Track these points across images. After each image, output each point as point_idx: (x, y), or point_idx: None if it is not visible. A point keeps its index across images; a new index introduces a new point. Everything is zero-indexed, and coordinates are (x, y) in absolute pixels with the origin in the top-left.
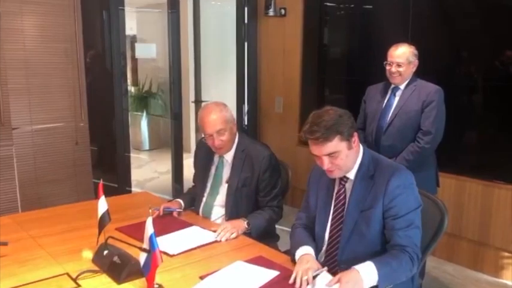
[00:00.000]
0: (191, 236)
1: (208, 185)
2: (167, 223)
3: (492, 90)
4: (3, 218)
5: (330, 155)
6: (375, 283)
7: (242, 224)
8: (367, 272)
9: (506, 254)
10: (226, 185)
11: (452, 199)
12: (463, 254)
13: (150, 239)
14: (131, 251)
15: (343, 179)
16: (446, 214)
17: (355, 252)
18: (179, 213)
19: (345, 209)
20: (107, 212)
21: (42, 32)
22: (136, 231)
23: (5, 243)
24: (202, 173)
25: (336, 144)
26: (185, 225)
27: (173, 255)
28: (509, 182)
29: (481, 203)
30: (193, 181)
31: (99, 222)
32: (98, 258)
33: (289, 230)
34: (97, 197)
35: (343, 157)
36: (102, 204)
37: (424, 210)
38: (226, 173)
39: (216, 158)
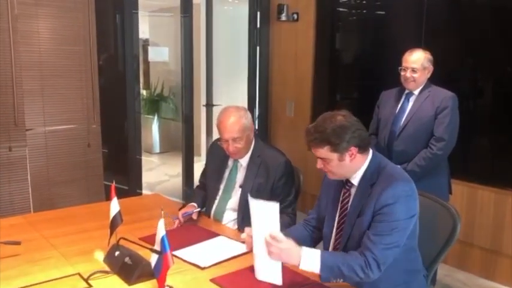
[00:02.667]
0: (220, 247)
1: (221, 188)
2: (192, 233)
3: (506, 96)
4: (16, 217)
5: (321, 158)
6: (317, 271)
7: None
8: (308, 255)
9: None
10: (240, 190)
11: (464, 206)
12: (475, 262)
13: (162, 240)
14: (143, 253)
15: (348, 184)
16: (459, 221)
17: None
18: (198, 213)
19: (346, 215)
20: (119, 213)
21: (57, 35)
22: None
23: (17, 243)
24: (215, 175)
25: (325, 152)
26: (211, 235)
27: (204, 268)
28: None
29: (493, 210)
30: (200, 180)
31: (110, 223)
32: (109, 259)
33: None
34: (108, 199)
35: (334, 165)
36: (115, 206)
37: (436, 217)
38: (240, 177)
39: (230, 162)
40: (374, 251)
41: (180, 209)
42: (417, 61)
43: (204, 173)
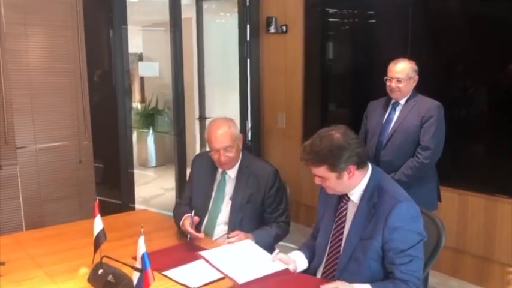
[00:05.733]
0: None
1: (211, 202)
2: (184, 252)
3: (493, 103)
4: (4, 237)
5: (318, 176)
6: None
7: (250, 236)
8: None
9: None
10: (230, 202)
11: (455, 214)
12: (468, 269)
13: (142, 258)
14: (127, 270)
15: (345, 197)
16: (444, 231)
17: (351, 277)
18: (195, 214)
19: (344, 233)
20: (103, 231)
21: (46, 53)
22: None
23: (2, 263)
24: (203, 189)
25: (322, 171)
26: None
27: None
28: None
29: (484, 217)
30: (185, 196)
31: (94, 240)
32: (93, 278)
33: (293, 246)
34: (102, 214)
35: (331, 183)
36: (98, 223)
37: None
38: (229, 189)
39: (218, 175)
40: (411, 279)
41: (182, 225)
42: (402, 71)
43: (189, 188)
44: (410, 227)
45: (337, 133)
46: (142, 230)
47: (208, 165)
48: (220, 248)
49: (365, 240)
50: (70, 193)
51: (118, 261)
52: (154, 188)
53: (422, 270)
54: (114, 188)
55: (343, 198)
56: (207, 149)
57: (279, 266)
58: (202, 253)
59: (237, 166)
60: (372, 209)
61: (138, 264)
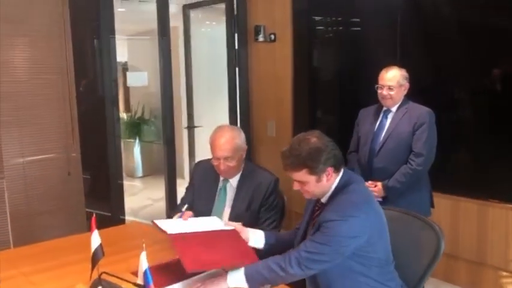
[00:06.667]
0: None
1: (212, 209)
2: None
3: (483, 109)
4: None
5: (298, 181)
6: (243, 284)
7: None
8: (234, 271)
9: (505, 273)
10: (229, 210)
11: (448, 219)
12: (461, 274)
13: (145, 274)
14: (126, 286)
15: (319, 202)
16: (443, 238)
17: (327, 279)
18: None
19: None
20: (100, 247)
21: (33, 64)
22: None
23: None
24: (205, 196)
25: (302, 175)
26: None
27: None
28: (504, 201)
29: (476, 222)
30: (185, 201)
31: (92, 257)
32: None
33: None
34: (90, 230)
35: (311, 186)
36: (95, 239)
37: (420, 234)
38: (230, 197)
39: (220, 183)
40: (300, 250)
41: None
42: (393, 79)
43: (190, 193)
44: (342, 223)
45: (313, 137)
46: (144, 245)
47: (212, 172)
48: (179, 220)
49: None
50: (59, 206)
51: (118, 277)
52: (142, 198)
53: (316, 265)
54: (103, 200)
55: (318, 201)
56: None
57: (223, 227)
58: (156, 221)
59: (239, 175)
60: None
61: (140, 280)
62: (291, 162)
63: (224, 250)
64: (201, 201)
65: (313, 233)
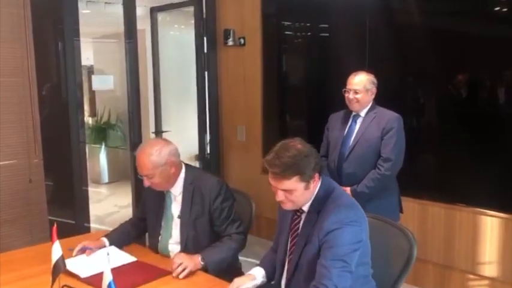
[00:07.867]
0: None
1: (162, 221)
2: (140, 273)
3: (450, 114)
4: None
5: (285, 190)
6: None
7: (197, 259)
8: None
9: (472, 276)
10: (179, 221)
11: (416, 223)
12: (429, 277)
13: (109, 286)
14: None
15: (299, 210)
16: (415, 243)
17: (304, 284)
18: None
19: (295, 243)
20: (62, 258)
21: None
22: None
23: None
24: (154, 208)
25: (293, 183)
26: (160, 273)
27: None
28: (471, 205)
29: (444, 226)
30: (138, 216)
31: (53, 269)
32: None
33: (254, 261)
34: (51, 240)
35: (298, 195)
36: (56, 250)
37: (392, 241)
38: (176, 208)
39: (165, 195)
40: (332, 277)
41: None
42: (359, 83)
43: (143, 208)
44: (344, 231)
45: (297, 143)
46: (109, 256)
47: None
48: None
49: (307, 246)
50: (20, 214)
51: None
52: (108, 205)
53: (348, 281)
54: (67, 208)
55: (298, 211)
56: None
57: (128, 259)
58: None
59: (180, 184)
60: (316, 215)
61: None
62: (283, 170)
63: (138, 275)
64: (151, 214)
65: (304, 244)
